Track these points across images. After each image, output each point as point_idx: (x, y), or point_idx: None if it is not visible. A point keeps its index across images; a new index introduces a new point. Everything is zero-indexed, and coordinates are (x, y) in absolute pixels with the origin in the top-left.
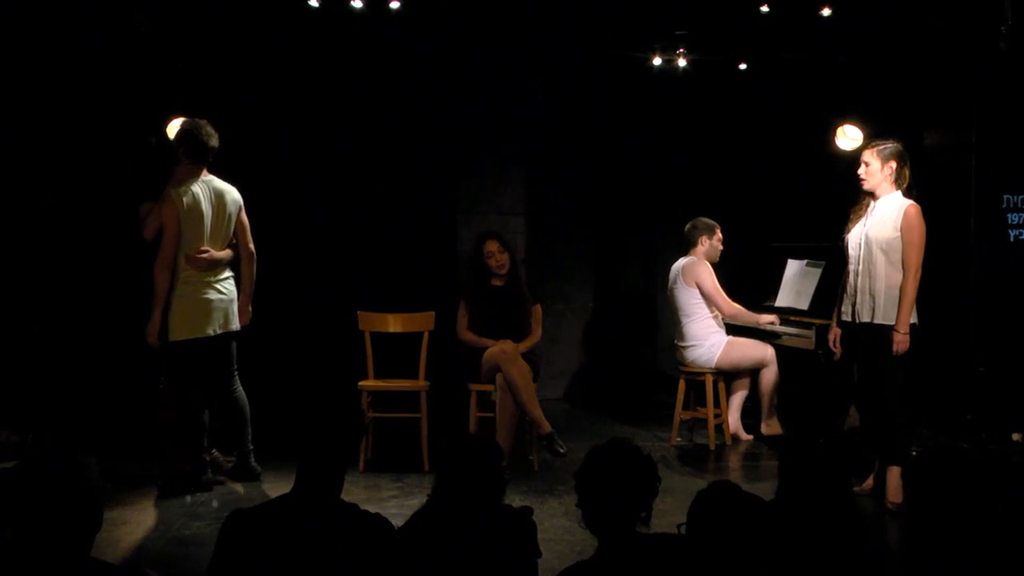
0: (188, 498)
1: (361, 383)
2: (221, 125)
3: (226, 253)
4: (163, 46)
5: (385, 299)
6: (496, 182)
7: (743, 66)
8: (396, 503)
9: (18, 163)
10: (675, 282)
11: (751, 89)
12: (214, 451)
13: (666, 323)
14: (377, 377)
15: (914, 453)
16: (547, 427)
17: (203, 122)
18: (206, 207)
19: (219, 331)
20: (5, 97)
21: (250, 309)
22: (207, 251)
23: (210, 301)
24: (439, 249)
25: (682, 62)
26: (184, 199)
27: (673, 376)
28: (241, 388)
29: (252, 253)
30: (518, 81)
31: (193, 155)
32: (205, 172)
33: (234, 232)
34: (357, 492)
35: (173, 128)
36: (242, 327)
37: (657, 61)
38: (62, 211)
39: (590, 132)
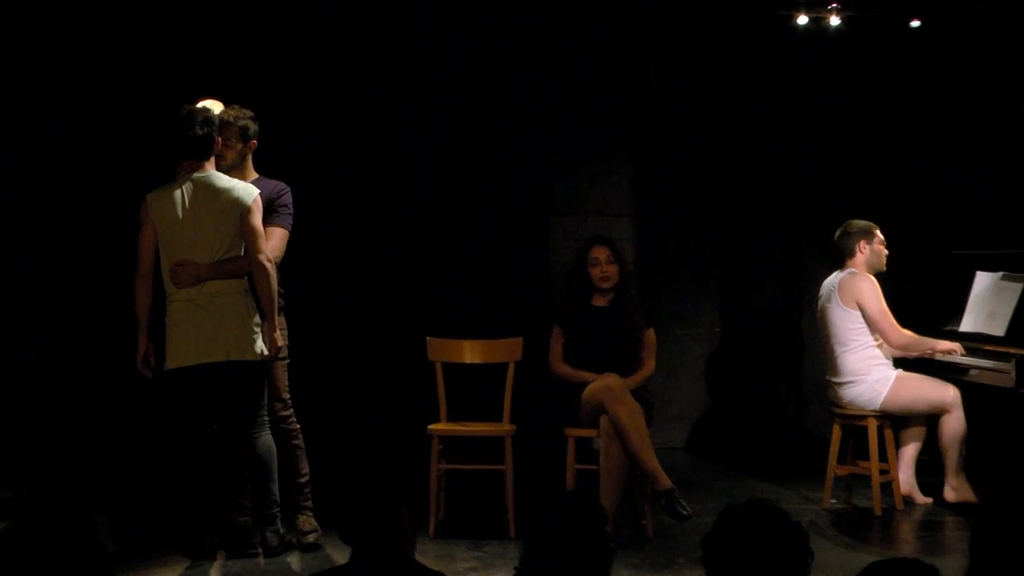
0: (216, 566)
1: (431, 427)
2: (256, 110)
3: (220, 266)
4: (184, 7)
5: (460, 322)
6: (597, 176)
7: (916, 23)
8: None
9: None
10: (829, 300)
11: (925, 53)
12: (241, 515)
13: (816, 353)
14: (451, 419)
15: None
16: (666, 482)
17: (199, 107)
18: (181, 211)
19: (218, 359)
20: None
21: (278, 335)
22: (184, 263)
23: (197, 323)
24: (527, 259)
25: (835, 20)
26: (156, 203)
27: (825, 420)
28: (267, 436)
29: (262, 265)
30: (624, 53)
31: (181, 148)
32: (208, 167)
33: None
34: (426, 563)
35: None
36: (270, 357)
37: (802, 20)
38: (62, 215)
39: (713, 114)
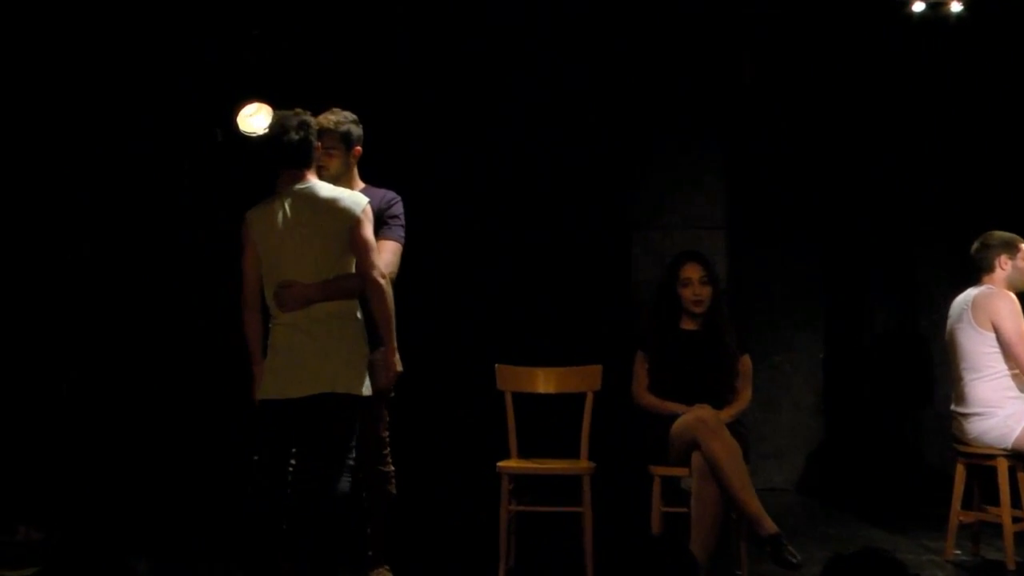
0: None
1: (500, 464)
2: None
3: (329, 285)
4: (231, 4)
5: (532, 348)
6: (683, 184)
7: None
8: None
9: (35, 167)
10: (960, 320)
11: None
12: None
13: (941, 381)
14: (522, 455)
15: None
16: (771, 526)
17: (292, 112)
18: (283, 227)
19: (321, 391)
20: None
21: (397, 359)
22: (289, 284)
23: (300, 351)
24: (605, 278)
25: (956, 6)
26: (255, 220)
27: (950, 458)
28: (347, 481)
29: (377, 283)
30: (713, 46)
31: (277, 159)
32: (310, 176)
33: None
34: None
35: (248, 118)
36: (386, 388)
37: (918, 7)
38: (99, 229)
39: (814, 114)
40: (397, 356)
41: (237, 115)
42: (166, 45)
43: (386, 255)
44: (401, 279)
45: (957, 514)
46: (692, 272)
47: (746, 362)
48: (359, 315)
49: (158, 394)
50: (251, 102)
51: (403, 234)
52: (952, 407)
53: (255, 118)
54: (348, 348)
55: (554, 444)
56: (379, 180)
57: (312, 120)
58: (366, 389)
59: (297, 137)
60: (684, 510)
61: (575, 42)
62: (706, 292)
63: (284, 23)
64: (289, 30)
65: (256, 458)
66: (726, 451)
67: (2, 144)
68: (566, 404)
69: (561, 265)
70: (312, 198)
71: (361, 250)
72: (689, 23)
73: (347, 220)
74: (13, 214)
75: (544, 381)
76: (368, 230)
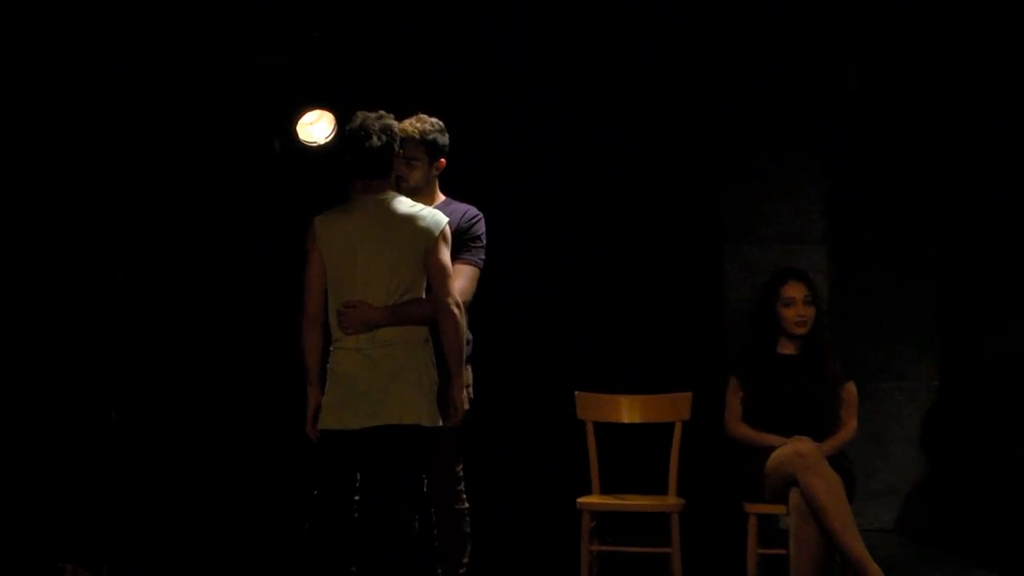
0: None
1: (581, 500)
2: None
3: (398, 309)
4: (288, 3)
5: (615, 374)
6: (781, 193)
7: None
8: None
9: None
10: None
11: None
12: None
13: None
14: (604, 491)
15: None
16: (876, 572)
17: (375, 114)
18: (354, 241)
19: (387, 422)
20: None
21: (464, 397)
22: (354, 305)
23: (365, 378)
24: (695, 297)
25: None
26: (324, 229)
27: None
28: (415, 522)
29: (450, 311)
30: (815, 45)
31: (355, 165)
32: (388, 188)
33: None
34: None
35: (308, 127)
36: (452, 424)
37: None
38: (148, 244)
39: (928, 119)
40: (465, 393)
41: (296, 124)
42: (218, 50)
43: (462, 280)
44: (484, 299)
45: None
46: (795, 291)
47: (851, 390)
48: (429, 340)
49: (213, 421)
50: (311, 109)
51: (483, 257)
52: None
53: (316, 127)
54: (416, 376)
55: (639, 478)
56: (454, 192)
57: (396, 125)
58: (435, 420)
59: (379, 143)
60: (782, 552)
61: (666, 45)
62: (810, 313)
63: (347, 22)
64: (353, 30)
65: (315, 492)
66: (827, 488)
67: (53, 162)
68: (652, 435)
69: (646, 283)
70: (388, 212)
71: (436, 274)
72: (790, 23)
73: (424, 240)
74: (64, 231)
75: (628, 410)
76: (445, 253)
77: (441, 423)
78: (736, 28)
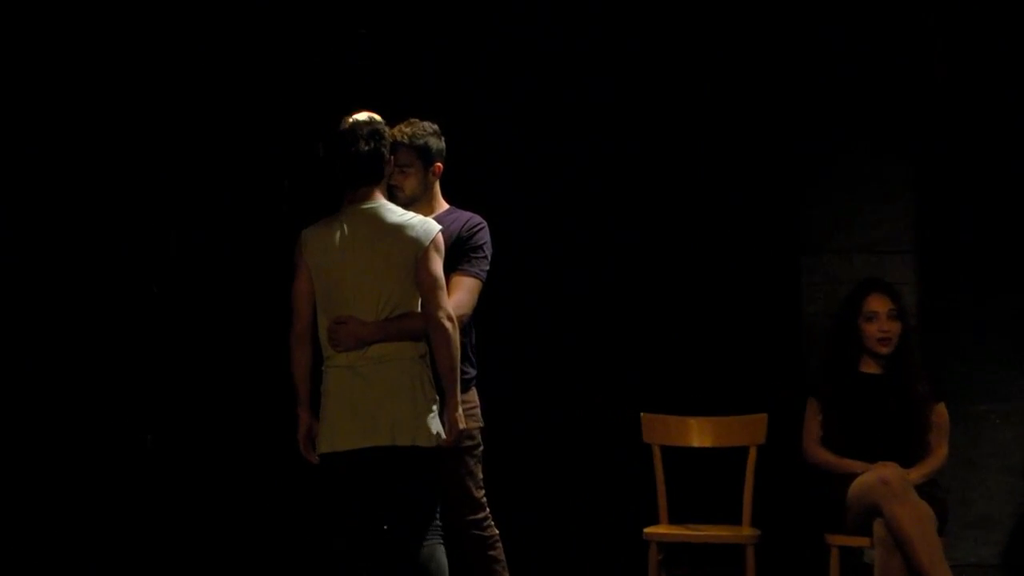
0: None
1: (648, 530)
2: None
3: (390, 324)
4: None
5: (685, 394)
6: (864, 199)
7: None
8: None
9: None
10: None
11: None
12: None
13: None
14: (673, 520)
15: None
16: None
17: (365, 118)
18: (341, 254)
19: (381, 443)
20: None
21: (460, 415)
22: (345, 321)
23: (357, 397)
24: (770, 311)
25: None
26: (311, 241)
27: None
28: (435, 545)
29: (441, 326)
30: (899, 33)
31: (341, 172)
32: (379, 195)
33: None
34: None
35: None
36: (448, 443)
37: None
38: (184, 256)
39: None
40: (460, 411)
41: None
42: (259, 49)
43: (459, 293)
44: (530, 316)
45: None
46: (879, 304)
47: (941, 412)
48: (426, 356)
49: (254, 442)
50: (358, 112)
51: (486, 268)
52: None
53: None
54: (411, 394)
55: (711, 507)
56: (513, 201)
57: (386, 130)
58: (433, 440)
59: (367, 148)
60: None
61: (741, 37)
62: (895, 328)
63: (395, 19)
64: (402, 27)
65: (332, 523)
66: (914, 518)
67: (87, 175)
68: (725, 460)
69: (717, 296)
70: (376, 221)
71: (426, 287)
72: (869, 10)
73: (414, 251)
74: (98, 245)
75: (699, 433)
76: (437, 264)
77: (440, 443)
78: (815, 23)
